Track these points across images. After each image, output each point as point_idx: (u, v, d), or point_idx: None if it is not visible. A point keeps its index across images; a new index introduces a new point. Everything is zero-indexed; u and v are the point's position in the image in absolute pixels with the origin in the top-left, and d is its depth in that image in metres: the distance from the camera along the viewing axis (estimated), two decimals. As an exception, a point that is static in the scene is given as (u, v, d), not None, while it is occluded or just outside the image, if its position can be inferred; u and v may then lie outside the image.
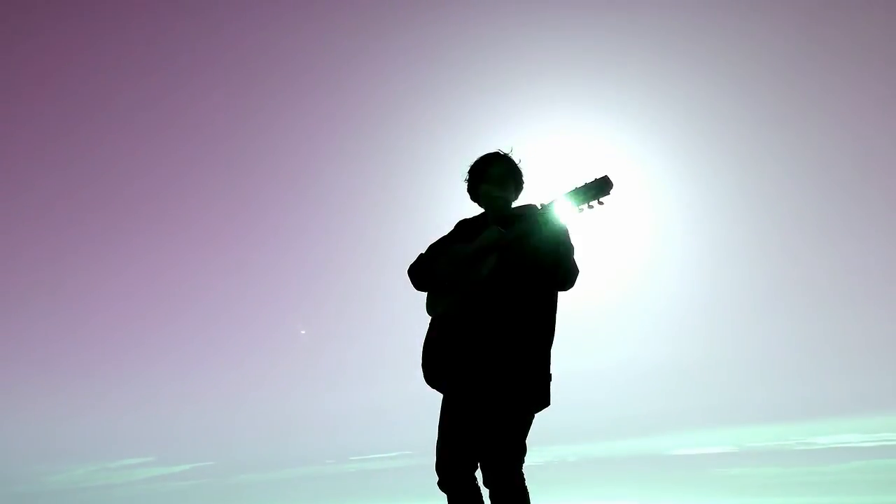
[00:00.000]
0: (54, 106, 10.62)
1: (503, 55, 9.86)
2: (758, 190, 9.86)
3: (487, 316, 2.62)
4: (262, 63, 10.44)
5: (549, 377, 2.66)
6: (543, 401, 2.64)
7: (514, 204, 2.89)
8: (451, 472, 2.64)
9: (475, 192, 2.89)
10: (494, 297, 2.63)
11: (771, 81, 9.46)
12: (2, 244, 11.36)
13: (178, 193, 11.61)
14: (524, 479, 2.56)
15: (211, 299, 11.66)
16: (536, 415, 2.65)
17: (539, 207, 2.64)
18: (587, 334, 9.20)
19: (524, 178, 2.88)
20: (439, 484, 2.67)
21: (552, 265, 2.60)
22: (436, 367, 2.72)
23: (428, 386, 2.78)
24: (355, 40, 10.06)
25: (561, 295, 2.75)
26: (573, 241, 2.69)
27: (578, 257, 2.71)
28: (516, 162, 2.87)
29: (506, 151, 2.88)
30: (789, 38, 9.09)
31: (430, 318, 2.84)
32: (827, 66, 9.28)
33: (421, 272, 2.87)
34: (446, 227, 3.01)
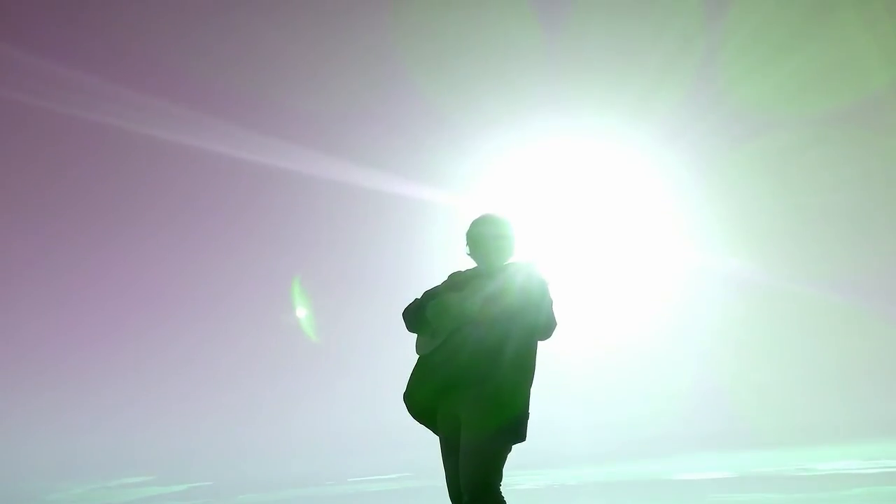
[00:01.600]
0: (52, 107, 10.72)
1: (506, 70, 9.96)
2: (761, 216, 9.92)
3: (469, 358, 2.78)
4: (264, 63, 10.55)
5: (526, 415, 2.81)
6: (519, 435, 2.77)
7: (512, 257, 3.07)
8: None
9: (471, 249, 3.08)
10: (476, 342, 2.79)
11: (772, 94, 9.54)
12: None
13: (174, 215, 11.68)
14: (503, 499, 2.66)
15: (211, 319, 11.70)
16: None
17: (522, 264, 2.91)
18: (589, 359, 9.21)
19: (511, 237, 3.04)
20: None
21: (531, 318, 2.81)
22: (419, 404, 2.92)
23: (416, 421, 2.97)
24: (365, 44, 10.18)
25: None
26: (551, 296, 2.88)
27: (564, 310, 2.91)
28: (505, 222, 3.06)
29: (494, 213, 3.09)
30: (785, 47, 9.19)
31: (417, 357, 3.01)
32: (823, 82, 9.37)
33: (412, 316, 3.06)
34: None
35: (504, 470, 2.73)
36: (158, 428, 11.26)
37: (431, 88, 9.74)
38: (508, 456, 2.74)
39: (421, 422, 2.96)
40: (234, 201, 11.60)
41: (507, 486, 2.71)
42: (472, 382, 2.74)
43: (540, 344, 2.91)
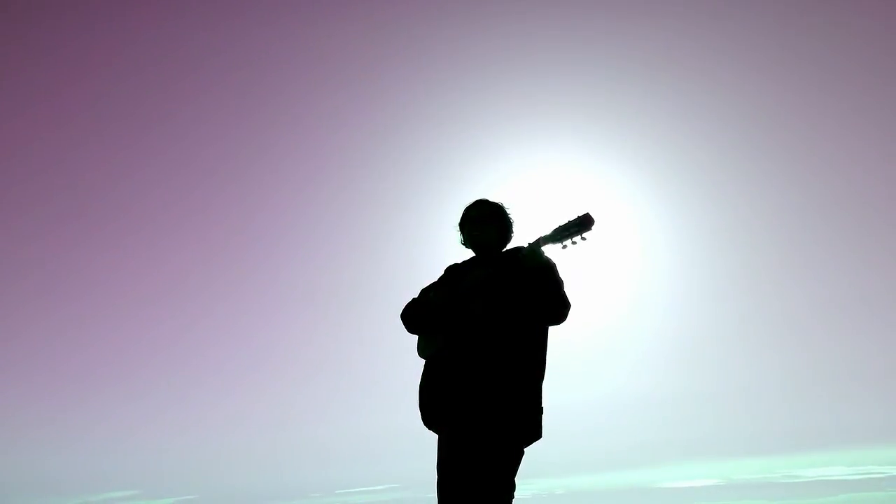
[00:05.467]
0: (51, 107, 10.66)
1: (500, 89, 10.02)
2: (744, 225, 10.01)
3: (477, 355, 2.65)
4: (266, 66, 10.54)
5: (540, 410, 2.69)
6: (535, 434, 2.66)
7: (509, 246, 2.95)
8: None
9: (462, 236, 2.97)
10: (483, 336, 2.67)
11: (756, 115, 9.65)
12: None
13: (161, 229, 11.62)
14: None
15: (196, 333, 11.62)
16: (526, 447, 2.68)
17: (525, 247, 2.73)
18: (575, 367, 9.24)
19: (512, 222, 2.93)
20: None
21: (540, 301, 2.66)
22: (433, 410, 2.71)
23: (427, 429, 2.77)
24: (366, 53, 10.21)
25: (551, 329, 2.81)
26: (560, 276, 2.75)
27: (568, 292, 2.77)
28: (502, 206, 2.94)
29: (492, 199, 2.96)
30: (779, 60, 9.31)
31: (422, 360, 2.87)
32: (816, 97, 9.49)
33: (412, 316, 2.91)
34: (444, 262, 3.09)
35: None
36: (143, 441, 11.17)
37: (421, 114, 9.78)
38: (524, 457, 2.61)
39: (433, 428, 2.72)
40: (222, 207, 11.56)
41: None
42: (478, 389, 2.59)
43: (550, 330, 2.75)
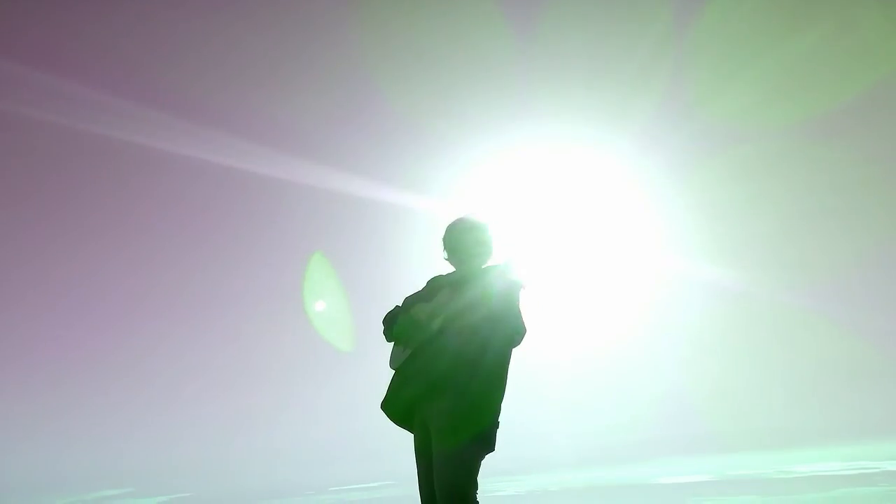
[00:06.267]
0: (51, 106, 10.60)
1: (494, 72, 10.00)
2: (738, 224, 10.02)
3: (445, 369, 2.77)
4: (249, 72, 10.51)
5: (495, 424, 2.79)
6: (485, 445, 2.75)
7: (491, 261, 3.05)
8: None
9: (445, 251, 3.07)
10: (453, 353, 2.78)
11: (757, 110, 9.65)
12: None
13: (158, 228, 11.58)
14: None
15: (189, 331, 11.59)
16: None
17: (496, 267, 2.88)
18: (570, 364, 9.24)
19: (491, 241, 3.02)
20: None
21: (495, 325, 2.77)
22: (396, 413, 2.92)
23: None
24: (344, 53, 10.19)
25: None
26: (519, 302, 2.85)
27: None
28: (484, 224, 3.04)
29: (471, 216, 3.06)
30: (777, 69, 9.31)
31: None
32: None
33: (388, 326, 3.05)
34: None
35: (484, 477, 2.72)
36: (137, 439, 11.15)
37: (409, 96, 9.76)
38: (482, 465, 2.73)
39: (401, 427, 2.95)
40: (218, 210, 11.53)
41: (488, 493, 2.71)
42: (446, 393, 2.73)
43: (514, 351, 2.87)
